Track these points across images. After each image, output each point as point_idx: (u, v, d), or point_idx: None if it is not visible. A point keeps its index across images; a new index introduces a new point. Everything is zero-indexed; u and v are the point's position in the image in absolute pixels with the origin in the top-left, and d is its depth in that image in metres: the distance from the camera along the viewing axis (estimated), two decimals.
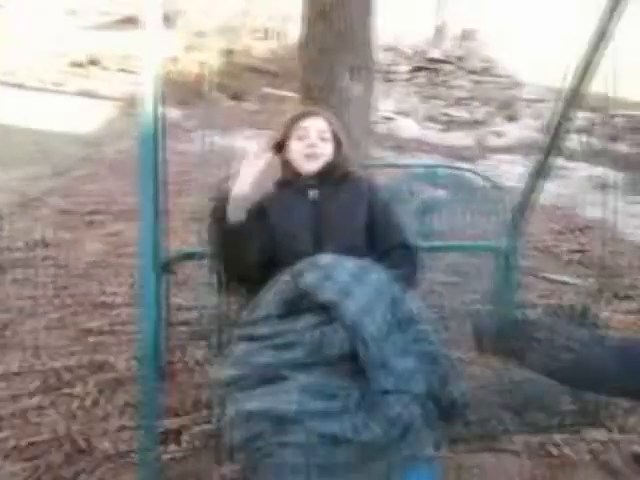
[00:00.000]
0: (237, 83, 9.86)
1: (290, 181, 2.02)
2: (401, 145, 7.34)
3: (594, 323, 3.15)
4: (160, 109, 1.91)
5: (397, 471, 1.49)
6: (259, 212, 1.92)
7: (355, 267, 1.74)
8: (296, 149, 2.06)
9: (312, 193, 2.03)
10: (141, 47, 1.78)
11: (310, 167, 2.05)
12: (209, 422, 2.34)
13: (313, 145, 2.05)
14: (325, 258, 1.77)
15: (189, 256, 2.61)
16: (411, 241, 2.12)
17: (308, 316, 1.66)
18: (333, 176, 2.06)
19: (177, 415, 2.41)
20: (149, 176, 1.80)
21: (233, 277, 2.05)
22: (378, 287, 1.70)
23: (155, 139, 1.88)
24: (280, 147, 2.09)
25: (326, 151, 2.08)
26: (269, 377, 1.58)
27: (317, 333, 1.61)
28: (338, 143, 2.12)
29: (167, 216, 2.40)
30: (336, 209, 2.01)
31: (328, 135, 2.09)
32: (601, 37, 2.24)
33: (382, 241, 2.06)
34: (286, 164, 2.05)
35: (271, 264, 1.90)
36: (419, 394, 1.59)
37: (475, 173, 2.76)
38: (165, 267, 2.48)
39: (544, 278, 3.90)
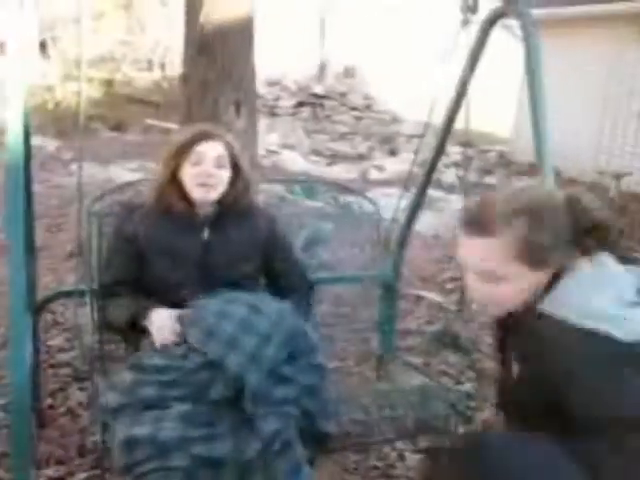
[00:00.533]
0: (118, 114, 9.62)
1: (181, 215, 1.91)
2: (287, 178, 7.43)
3: (467, 348, 3.30)
4: (29, 140, 1.84)
5: None
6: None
7: (245, 309, 1.73)
8: (189, 175, 1.87)
9: (206, 232, 1.93)
10: (7, 74, 1.70)
11: (204, 197, 1.88)
12: (96, 467, 2.22)
13: (209, 175, 1.86)
14: (213, 305, 1.74)
15: (67, 294, 2.49)
16: (310, 278, 2.16)
17: (197, 355, 1.66)
18: (230, 211, 1.95)
19: (60, 462, 2.28)
20: (17, 210, 1.72)
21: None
22: (271, 324, 1.71)
23: (25, 170, 1.81)
24: (173, 171, 1.90)
25: (222, 180, 1.90)
26: (153, 405, 1.60)
27: (204, 376, 1.63)
28: (237, 170, 1.94)
29: (36, 253, 2.29)
30: (229, 251, 1.93)
31: (226, 161, 1.90)
32: (465, 80, 2.44)
33: (283, 278, 2.08)
34: (178, 190, 1.90)
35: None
36: (295, 415, 1.64)
37: (364, 197, 2.84)
38: (40, 307, 2.36)
39: (428, 305, 4.06)
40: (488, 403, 2.98)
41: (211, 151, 1.88)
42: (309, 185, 2.64)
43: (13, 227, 1.70)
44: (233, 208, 1.95)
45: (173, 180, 1.90)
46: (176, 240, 1.90)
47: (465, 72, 2.41)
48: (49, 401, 2.63)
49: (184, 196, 1.90)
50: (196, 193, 1.88)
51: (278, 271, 2.08)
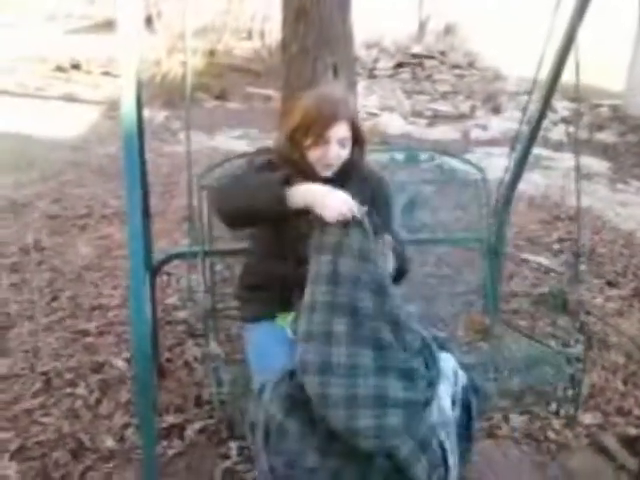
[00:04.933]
0: (221, 83, 9.85)
1: (300, 173, 1.92)
2: (387, 140, 7.36)
3: (576, 310, 3.20)
4: (142, 112, 1.90)
5: None
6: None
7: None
8: (312, 153, 1.91)
9: None
10: (119, 49, 1.74)
11: (325, 173, 1.94)
12: (211, 417, 2.38)
13: (331, 158, 1.91)
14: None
15: (181, 256, 2.64)
16: (407, 262, 2.09)
17: None
18: (346, 175, 1.98)
19: (179, 411, 2.45)
20: (134, 178, 1.78)
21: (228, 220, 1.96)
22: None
23: (139, 141, 1.89)
24: (297, 143, 1.93)
25: (342, 157, 1.94)
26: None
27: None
28: (359, 142, 1.98)
29: (151, 218, 2.42)
30: None
31: (349, 141, 1.93)
32: (573, 29, 2.30)
33: None
34: (300, 157, 1.93)
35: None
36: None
37: (468, 162, 2.79)
38: (156, 268, 2.51)
39: (533, 267, 3.95)
40: (597, 366, 2.91)
41: (336, 134, 1.89)
42: (410, 153, 2.58)
43: (130, 194, 1.76)
44: (349, 174, 1.98)
45: (296, 146, 1.93)
46: None
47: (573, 19, 2.28)
48: (167, 355, 2.81)
49: (304, 157, 1.93)
50: (317, 168, 1.93)
51: None
